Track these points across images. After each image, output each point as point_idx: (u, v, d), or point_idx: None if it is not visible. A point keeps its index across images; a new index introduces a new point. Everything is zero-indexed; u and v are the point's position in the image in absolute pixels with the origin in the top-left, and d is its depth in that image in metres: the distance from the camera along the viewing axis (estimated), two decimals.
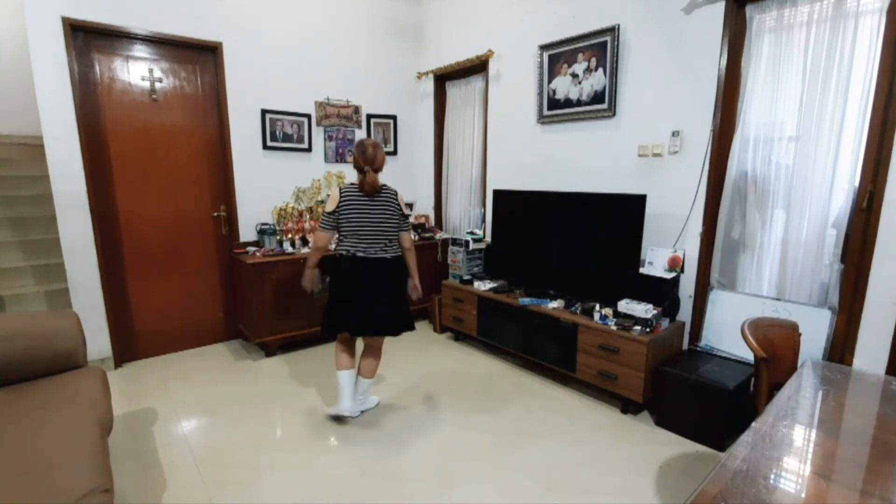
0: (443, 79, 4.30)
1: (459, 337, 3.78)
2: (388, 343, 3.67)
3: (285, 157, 3.76)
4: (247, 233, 3.62)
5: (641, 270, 2.70)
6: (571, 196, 3.00)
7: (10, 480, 1.31)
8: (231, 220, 3.56)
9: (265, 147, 3.63)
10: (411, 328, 2.52)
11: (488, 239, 3.73)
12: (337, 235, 2.43)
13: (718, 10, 2.44)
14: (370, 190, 2.33)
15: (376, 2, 4.09)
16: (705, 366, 2.43)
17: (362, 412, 2.60)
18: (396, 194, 2.44)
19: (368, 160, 2.32)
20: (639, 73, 2.81)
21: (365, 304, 2.36)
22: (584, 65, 3.04)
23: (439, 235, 4.28)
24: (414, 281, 2.55)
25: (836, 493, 1.05)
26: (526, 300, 3.09)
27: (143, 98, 3.15)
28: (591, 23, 2.98)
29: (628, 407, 2.62)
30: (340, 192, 2.36)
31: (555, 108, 3.28)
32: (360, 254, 2.34)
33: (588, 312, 2.78)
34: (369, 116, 4.19)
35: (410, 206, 4.45)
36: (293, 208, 3.73)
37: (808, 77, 2.24)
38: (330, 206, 2.36)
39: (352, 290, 2.37)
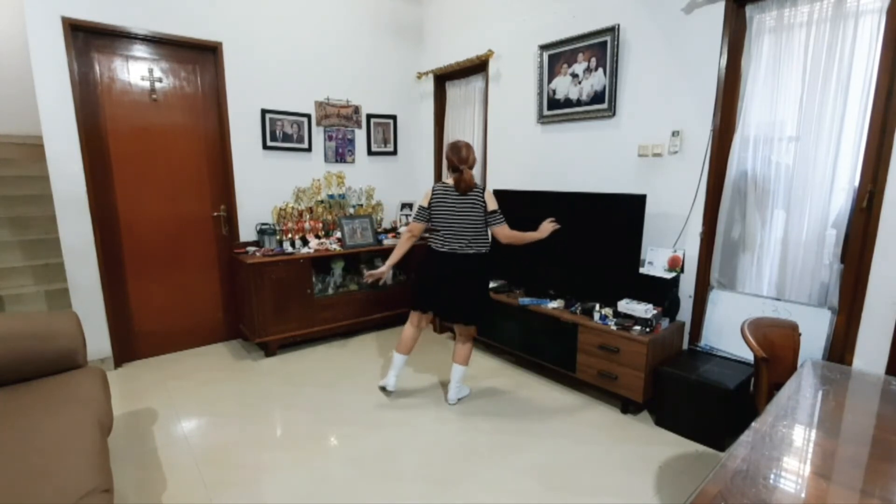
0: (443, 79, 4.30)
1: None
2: (388, 342, 3.70)
3: (285, 156, 3.76)
4: (247, 233, 3.62)
5: (641, 270, 2.70)
6: (571, 196, 3.00)
7: (11, 480, 1.31)
8: (231, 219, 3.56)
9: (265, 147, 3.63)
10: (478, 321, 2.70)
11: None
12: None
13: (718, 10, 2.44)
14: (465, 187, 2.53)
15: (376, 2, 4.09)
16: (705, 366, 2.43)
17: (459, 399, 2.75)
18: (484, 191, 2.57)
19: (463, 160, 2.53)
20: (639, 73, 2.81)
21: (448, 293, 2.59)
22: (584, 65, 3.04)
23: None
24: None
25: (836, 493, 1.05)
26: (526, 300, 3.09)
27: (143, 98, 3.15)
28: (591, 23, 2.98)
29: (628, 407, 2.62)
30: (433, 190, 2.61)
31: (555, 108, 3.28)
32: (446, 249, 2.57)
33: (588, 312, 2.78)
34: (369, 116, 4.19)
35: (410, 206, 4.45)
36: (293, 208, 3.73)
37: (808, 77, 2.24)
38: (423, 202, 2.63)
39: (437, 280, 2.60)
